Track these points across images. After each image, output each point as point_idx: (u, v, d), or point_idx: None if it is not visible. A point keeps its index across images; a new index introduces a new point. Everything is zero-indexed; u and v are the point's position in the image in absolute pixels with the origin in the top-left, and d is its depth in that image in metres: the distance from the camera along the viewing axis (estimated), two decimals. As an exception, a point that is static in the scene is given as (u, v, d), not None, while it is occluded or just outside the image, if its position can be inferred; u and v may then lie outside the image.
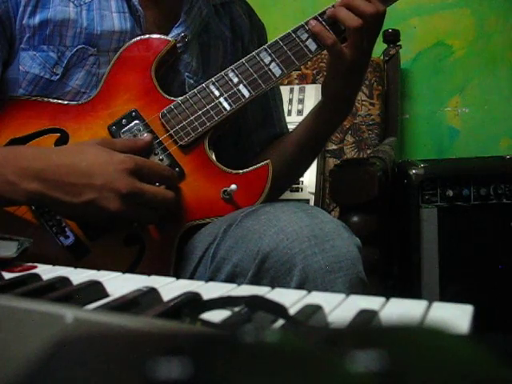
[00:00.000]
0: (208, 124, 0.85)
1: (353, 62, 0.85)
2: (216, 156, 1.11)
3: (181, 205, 0.83)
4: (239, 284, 0.47)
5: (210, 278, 0.77)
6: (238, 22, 1.02)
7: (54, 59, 0.84)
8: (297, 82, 1.75)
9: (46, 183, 0.72)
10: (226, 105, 0.86)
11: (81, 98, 0.86)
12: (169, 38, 0.88)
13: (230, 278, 0.74)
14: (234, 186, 0.82)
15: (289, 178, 1.06)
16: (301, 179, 1.50)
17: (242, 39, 1.02)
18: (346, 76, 0.87)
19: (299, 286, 0.67)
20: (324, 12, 0.88)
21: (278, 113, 1.07)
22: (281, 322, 0.36)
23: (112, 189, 0.72)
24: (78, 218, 0.79)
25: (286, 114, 1.13)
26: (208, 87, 0.86)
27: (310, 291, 0.43)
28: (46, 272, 0.50)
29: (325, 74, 0.96)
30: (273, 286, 0.45)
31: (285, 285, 0.68)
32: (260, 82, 0.87)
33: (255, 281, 0.71)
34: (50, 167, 0.73)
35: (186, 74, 0.92)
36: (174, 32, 0.90)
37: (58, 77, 0.84)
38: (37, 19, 0.83)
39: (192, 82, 0.92)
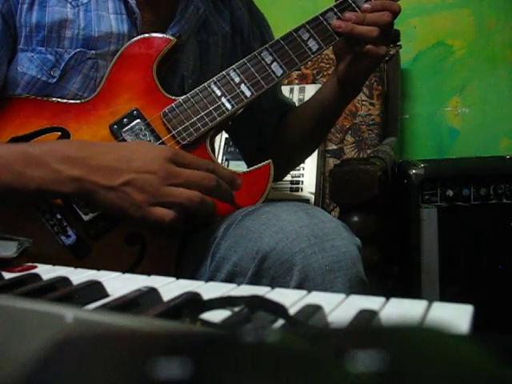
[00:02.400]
0: (210, 124, 0.85)
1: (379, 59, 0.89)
2: (233, 138, 1.15)
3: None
4: (239, 283, 0.47)
5: (210, 278, 0.77)
6: (238, 15, 1.02)
7: (51, 62, 0.83)
8: (297, 82, 1.75)
9: (87, 168, 0.72)
10: (228, 105, 0.86)
11: None
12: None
13: (230, 278, 0.74)
14: (234, 186, 0.82)
15: (309, 145, 1.11)
16: (301, 179, 1.50)
17: (242, 33, 1.02)
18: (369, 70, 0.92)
19: (299, 286, 0.67)
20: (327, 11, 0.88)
21: (283, 95, 1.13)
22: (281, 321, 0.36)
23: (149, 171, 0.72)
24: (114, 206, 0.73)
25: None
26: (209, 87, 0.86)
27: (309, 291, 0.43)
28: (46, 272, 0.50)
29: (328, 73, 0.99)
30: (272, 286, 0.45)
31: (284, 284, 0.68)
32: (262, 82, 0.87)
33: (255, 280, 0.71)
34: (93, 154, 0.73)
35: (184, 72, 0.92)
36: (169, 32, 0.90)
37: (55, 79, 0.84)
38: (33, 18, 0.82)
39: (191, 81, 0.92)
